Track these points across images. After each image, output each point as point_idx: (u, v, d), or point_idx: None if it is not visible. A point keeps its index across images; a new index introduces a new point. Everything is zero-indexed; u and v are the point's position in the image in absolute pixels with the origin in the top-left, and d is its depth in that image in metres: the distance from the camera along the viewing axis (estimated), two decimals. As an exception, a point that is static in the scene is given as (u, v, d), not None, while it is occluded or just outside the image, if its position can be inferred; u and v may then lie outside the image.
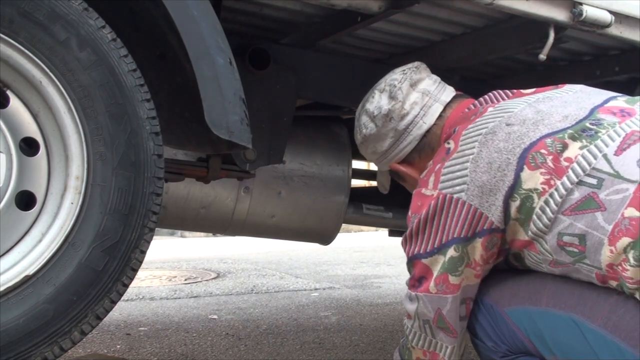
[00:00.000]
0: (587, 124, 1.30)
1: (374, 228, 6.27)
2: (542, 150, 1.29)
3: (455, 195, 1.34)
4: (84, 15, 1.34)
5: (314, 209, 2.54)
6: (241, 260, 6.17)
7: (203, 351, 2.60)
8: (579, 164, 1.25)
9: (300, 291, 4.27)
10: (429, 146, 1.54)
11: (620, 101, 1.38)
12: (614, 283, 1.21)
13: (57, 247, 1.33)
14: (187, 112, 1.63)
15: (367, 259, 6.32)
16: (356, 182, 2.91)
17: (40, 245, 1.34)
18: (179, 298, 3.97)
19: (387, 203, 2.70)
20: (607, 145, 1.26)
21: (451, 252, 1.35)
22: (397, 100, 1.55)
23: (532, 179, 1.28)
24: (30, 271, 1.31)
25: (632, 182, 1.19)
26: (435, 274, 1.37)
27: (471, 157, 1.35)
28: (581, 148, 1.27)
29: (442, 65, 2.23)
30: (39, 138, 1.37)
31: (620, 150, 1.24)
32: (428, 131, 1.54)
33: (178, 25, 1.43)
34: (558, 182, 1.26)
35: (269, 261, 6.13)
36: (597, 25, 1.82)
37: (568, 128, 1.31)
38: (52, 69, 1.32)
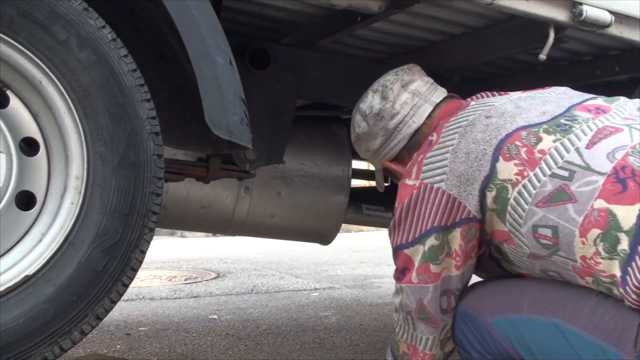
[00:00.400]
0: (562, 120, 1.34)
1: (374, 228, 6.28)
2: (517, 142, 1.32)
3: (435, 185, 1.38)
4: (84, 15, 1.34)
5: (314, 209, 2.54)
6: (241, 260, 6.17)
7: (203, 351, 2.60)
8: (551, 156, 1.28)
9: (300, 291, 4.27)
10: (418, 145, 1.57)
11: (599, 100, 1.41)
12: (590, 279, 1.22)
13: (57, 247, 1.32)
14: (187, 112, 1.63)
15: (367, 259, 6.32)
16: (356, 182, 2.91)
17: (40, 245, 1.34)
18: (179, 298, 3.97)
19: (387, 203, 2.70)
20: (579, 139, 1.28)
21: (431, 240, 1.38)
22: (387, 100, 1.60)
23: (506, 170, 1.31)
24: (30, 271, 1.31)
25: (602, 174, 1.22)
26: (416, 264, 1.41)
27: (451, 147, 1.39)
28: (554, 141, 1.30)
29: (442, 65, 2.23)
30: (39, 138, 1.37)
31: (591, 144, 1.27)
32: (417, 130, 1.59)
33: (178, 25, 1.43)
34: (531, 174, 1.28)
35: (269, 261, 6.13)
36: (597, 25, 1.82)
37: (543, 123, 1.34)
38: (52, 69, 1.32)
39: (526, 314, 1.31)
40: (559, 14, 1.80)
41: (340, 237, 2.95)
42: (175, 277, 4.95)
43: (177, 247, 7.82)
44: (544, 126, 1.33)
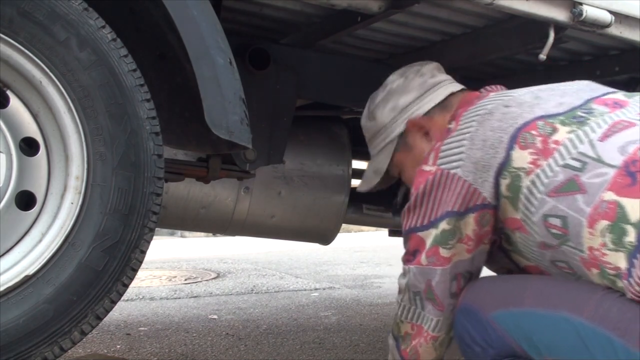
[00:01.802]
0: (579, 112, 1.36)
1: (374, 228, 6.29)
2: (533, 132, 1.35)
3: (452, 171, 1.40)
4: (84, 15, 1.34)
5: (314, 209, 2.54)
6: (241, 260, 6.17)
7: (203, 351, 2.60)
8: (565, 147, 1.30)
9: (300, 291, 4.27)
10: (450, 108, 1.59)
11: (619, 95, 1.43)
12: (595, 271, 1.23)
13: (57, 247, 1.32)
14: (187, 112, 1.63)
15: (367, 259, 6.32)
16: (356, 182, 2.91)
17: (40, 245, 1.34)
18: (179, 298, 3.97)
19: (387, 203, 2.70)
20: (593, 132, 1.30)
21: (443, 225, 1.40)
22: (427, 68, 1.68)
23: (521, 158, 1.33)
24: (30, 271, 1.31)
25: (612, 166, 1.23)
26: (427, 246, 1.43)
27: (468, 135, 1.41)
28: (569, 132, 1.32)
29: (442, 65, 2.22)
30: (39, 138, 1.37)
31: (604, 137, 1.29)
32: (453, 94, 1.62)
33: (178, 25, 1.43)
34: (544, 163, 1.30)
35: (269, 261, 6.13)
36: (597, 25, 1.82)
37: (560, 114, 1.36)
38: (52, 69, 1.32)
39: (529, 308, 1.31)
40: (559, 14, 1.80)
41: (340, 237, 2.95)
42: (175, 277, 4.95)
43: (177, 247, 7.82)
44: (561, 117, 1.35)
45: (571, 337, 1.23)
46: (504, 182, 1.35)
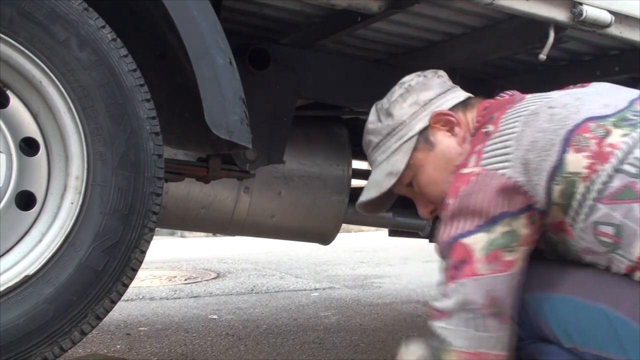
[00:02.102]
0: (628, 114, 1.31)
1: (374, 228, 6.27)
2: (586, 134, 1.29)
3: (499, 171, 1.31)
4: (84, 15, 1.34)
5: (314, 209, 2.54)
6: (241, 260, 6.17)
7: (203, 351, 2.60)
8: (621, 151, 1.25)
9: (300, 291, 4.27)
10: (471, 107, 1.53)
11: None
12: (638, 274, 1.22)
13: (57, 247, 1.33)
14: (187, 112, 1.63)
15: (367, 259, 6.31)
16: (356, 182, 2.91)
17: (40, 245, 1.34)
18: (179, 298, 3.97)
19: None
20: None
21: (501, 227, 1.30)
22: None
23: (576, 162, 1.27)
24: (30, 271, 1.31)
25: None
26: (479, 254, 1.30)
27: (513, 135, 1.33)
28: (623, 135, 1.27)
29: (442, 66, 2.22)
30: (39, 138, 1.37)
31: None
32: (472, 97, 1.57)
33: (178, 25, 1.43)
34: (600, 168, 1.25)
35: (269, 261, 6.13)
36: (597, 25, 1.82)
37: (609, 116, 1.31)
38: (52, 69, 1.32)
39: (566, 294, 1.29)
40: (559, 14, 1.80)
41: (340, 237, 2.95)
42: (175, 277, 4.95)
43: (177, 247, 7.82)
44: (611, 119, 1.30)
45: (605, 329, 1.22)
46: (557, 188, 1.28)
